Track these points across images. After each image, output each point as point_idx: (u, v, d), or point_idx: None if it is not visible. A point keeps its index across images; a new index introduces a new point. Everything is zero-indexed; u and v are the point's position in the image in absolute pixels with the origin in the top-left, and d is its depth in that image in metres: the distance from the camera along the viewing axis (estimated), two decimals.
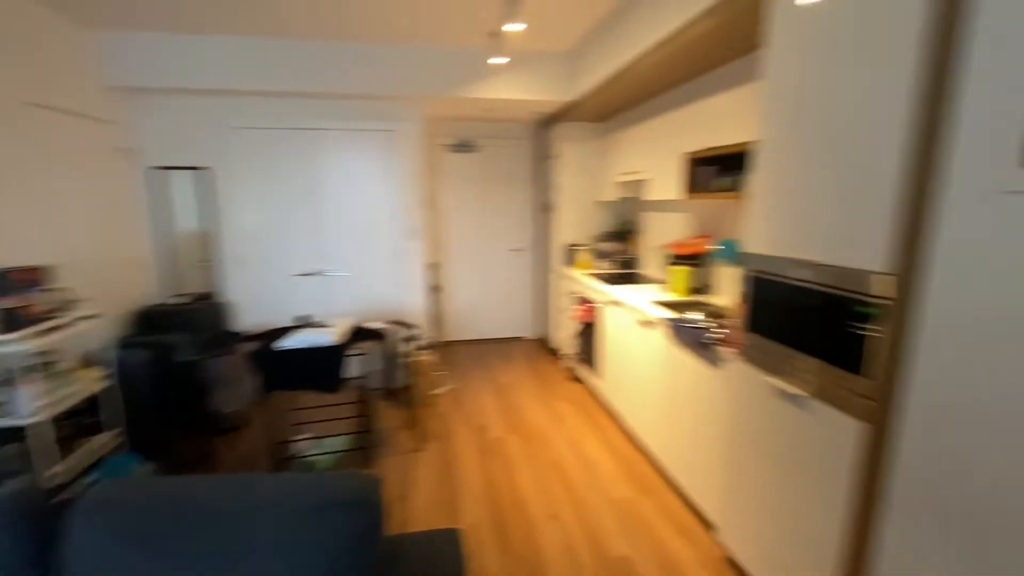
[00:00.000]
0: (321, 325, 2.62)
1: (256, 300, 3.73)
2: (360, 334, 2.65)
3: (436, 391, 3.64)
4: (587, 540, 2.09)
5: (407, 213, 3.83)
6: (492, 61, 3.07)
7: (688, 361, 2.20)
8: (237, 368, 3.10)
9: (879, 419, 1.25)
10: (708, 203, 2.94)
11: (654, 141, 3.05)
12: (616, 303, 3.01)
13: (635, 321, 2.73)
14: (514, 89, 3.51)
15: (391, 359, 2.71)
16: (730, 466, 1.88)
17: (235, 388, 3.11)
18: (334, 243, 3.79)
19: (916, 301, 1.15)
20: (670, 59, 2.35)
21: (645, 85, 2.87)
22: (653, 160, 3.05)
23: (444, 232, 4.72)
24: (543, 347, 4.80)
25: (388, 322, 3.07)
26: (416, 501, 2.37)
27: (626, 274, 3.75)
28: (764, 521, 1.71)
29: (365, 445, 2.73)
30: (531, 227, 4.90)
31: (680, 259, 2.94)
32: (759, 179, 1.68)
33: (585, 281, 3.57)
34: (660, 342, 2.45)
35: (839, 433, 1.37)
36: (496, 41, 2.89)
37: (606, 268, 3.93)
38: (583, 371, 3.75)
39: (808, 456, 1.50)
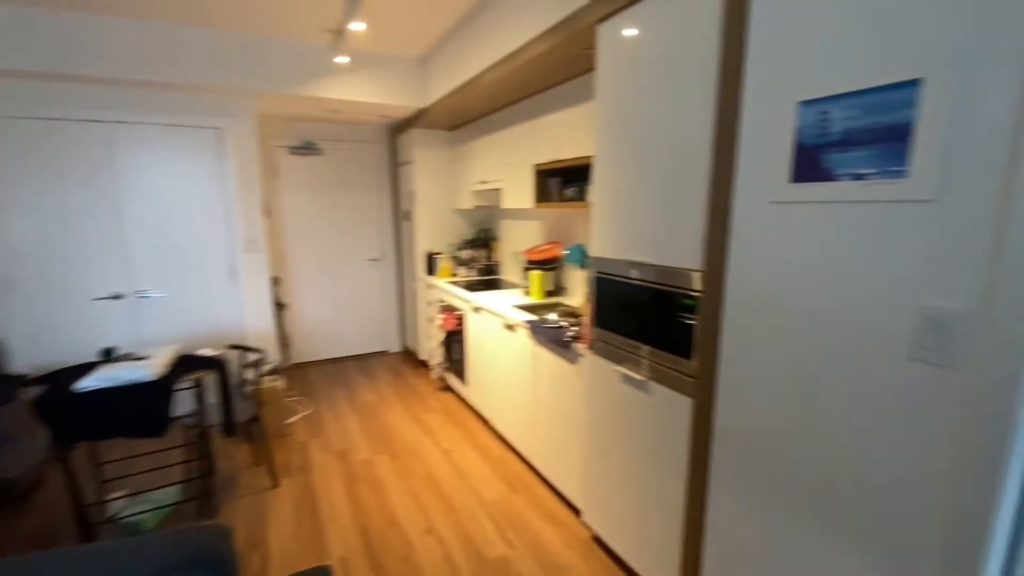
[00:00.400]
0: (135, 357, 2.19)
1: (39, 333, 2.97)
2: (188, 364, 2.28)
3: (290, 420, 3.31)
4: (465, 547, 2.09)
5: (244, 222, 3.42)
6: (337, 60, 2.91)
7: (549, 359, 2.34)
8: (17, 421, 2.43)
9: (702, 394, 1.48)
10: (558, 211, 3.18)
11: (506, 152, 3.19)
12: (478, 309, 3.07)
13: (499, 325, 2.81)
14: (361, 91, 3.37)
15: (230, 389, 2.38)
16: (589, 451, 2.05)
17: (15, 446, 2.44)
18: (148, 259, 3.20)
19: (721, 292, 1.38)
20: (515, 74, 2.48)
21: (494, 97, 2.99)
22: (506, 170, 3.19)
23: (289, 243, 4.32)
24: (410, 359, 4.68)
25: (225, 347, 2.70)
26: (275, 544, 2.11)
27: (487, 280, 3.85)
28: (621, 497, 1.89)
29: (205, 492, 2.35)
30: (390, 236, 4.74)
31: (534, 264, 3.11)
32: (598, 190, 1.87)
33: (448, 289, 3.58)
34: (522, 344, 2.56)
35: (674, 410, 1.58)
36: (338, 39, 2.74)
37: (468, 275, 3.99)
38: (452, 379, 3.74)
39: (652, 432, 1.70)
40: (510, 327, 2.67)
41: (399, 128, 4.35)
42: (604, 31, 1.76)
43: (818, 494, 1.16)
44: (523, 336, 2.54)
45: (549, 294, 3.09)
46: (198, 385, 2.23)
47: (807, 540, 1.20)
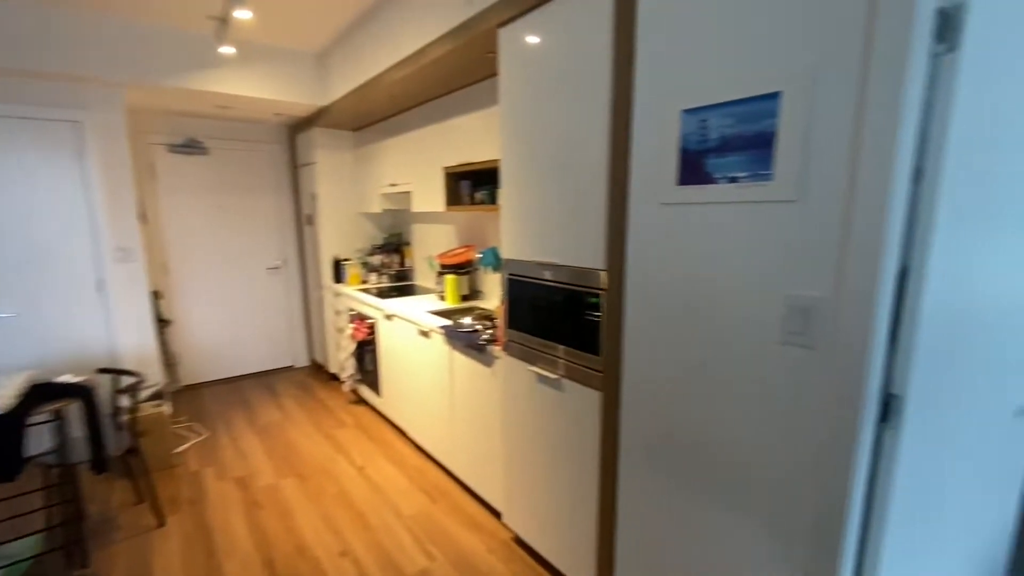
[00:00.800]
0: None
1: None
2: (45, 393, 1.96)
3: (178, 448, 2.97)
4: (382, 566, 2.00)
5: (114, 229, 3.01)
6: (223, 50, 2.67)
7: (465, 364, 2.32)
8: None
9: (610, 387, 1.54)
10: (471, 214, 3.17)
11: (416, 153, 3.11)
12: (391, 316, 2.97)
13: (413, 332, 2.74)
14: (252, 86, 3.12)
15: (100, 420, 2.08)
16: (507, 453, 2.06)
17: None
18: None
19: (622, 290, 1.45)
20: (420, 75, 2.43)
21: (400, 98, 2.91)
22: (415, 172, 3.12)
23: (172, 252, 3.87)
24: (319, 373, 4.41)
25: (94, 371, 2.36)
26: None
27: (400, 286, 3.74)
28: (538, 496, 1.92)
29: (73, 539, 2.03)
30: (292, 242, 4.44)
31: (448, 268, 3.07)
32: (506, 193, 1.89)
33: (358, 296, 3.42)
34: (438, 350, 2.51)
35: (585, 404, 1.64)
36: (223, 27, 2.51)
37: (379, 282, 3.84)
38: (365, 391, 3.58)
39: (566, 428, 1.74)
40: (425, 333, 2.61)
41: (298, 127, 4.08)
42: (505, 36, 1.78)
43: (714, 475, 1.26)
44: (438, 342, 2.49)
45: (464, 298, 3.07)
46: (58, 417, 1.92)
47: (704, 519, 1.29)
